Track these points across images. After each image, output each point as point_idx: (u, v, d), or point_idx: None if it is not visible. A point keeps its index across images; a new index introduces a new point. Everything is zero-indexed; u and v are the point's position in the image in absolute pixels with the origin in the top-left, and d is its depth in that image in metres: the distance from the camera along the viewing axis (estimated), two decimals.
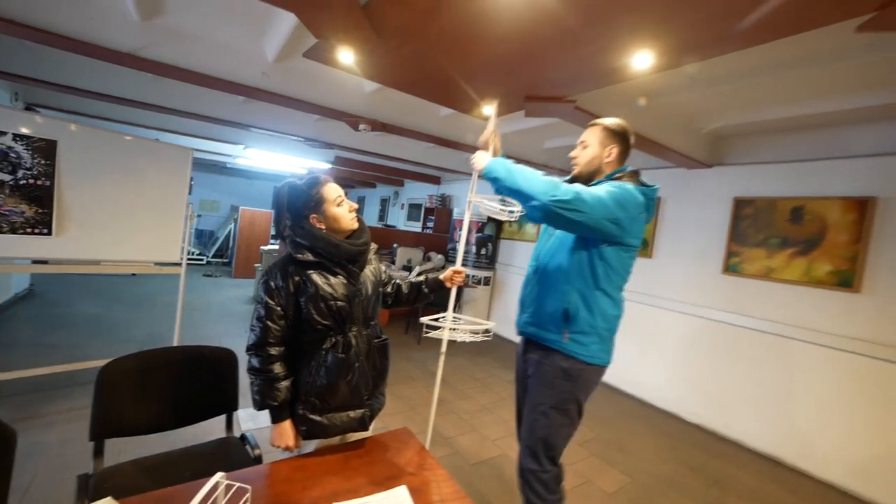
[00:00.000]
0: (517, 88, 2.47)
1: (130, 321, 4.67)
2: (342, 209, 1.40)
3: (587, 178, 1.63)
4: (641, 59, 1.90)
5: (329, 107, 3.34)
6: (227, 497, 0.94)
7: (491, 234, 6.12)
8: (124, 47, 2.47)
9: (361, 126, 3.63)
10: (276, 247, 6.62)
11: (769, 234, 3.31)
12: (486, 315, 6.31)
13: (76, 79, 3.37)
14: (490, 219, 5.93)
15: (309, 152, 6.31)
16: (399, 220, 9.67)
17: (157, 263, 3.17)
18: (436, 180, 8.00)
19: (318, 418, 1.32)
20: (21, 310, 4.66)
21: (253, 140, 5.77)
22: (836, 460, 2.86)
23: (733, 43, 1.72)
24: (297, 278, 1.32)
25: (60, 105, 4.58)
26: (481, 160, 1.56)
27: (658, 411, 3.86)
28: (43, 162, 2.55)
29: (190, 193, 3.24)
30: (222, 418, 1.70)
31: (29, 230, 2.54)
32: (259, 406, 1.30)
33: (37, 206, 2.55)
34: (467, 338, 1.72)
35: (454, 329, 1.70)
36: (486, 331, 1.73)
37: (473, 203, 1.70)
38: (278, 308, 1.31)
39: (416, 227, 8.45)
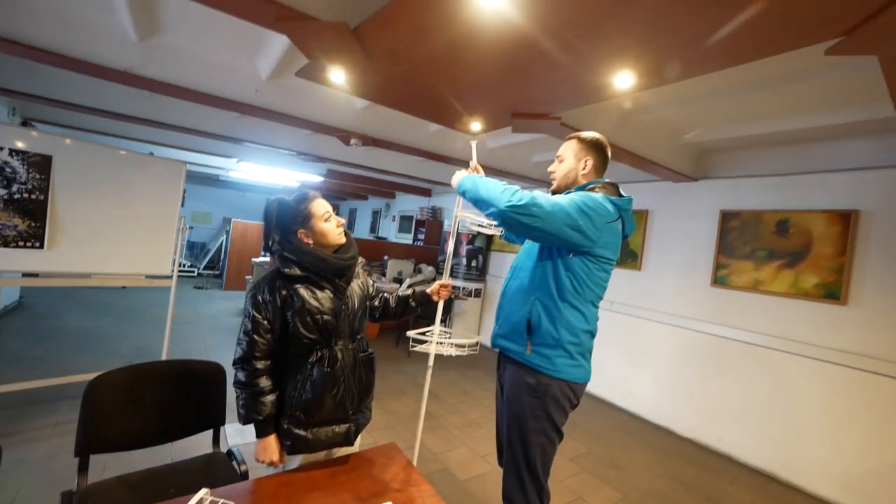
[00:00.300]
0: (503, 106, 2.53)
1: (119, 334, 4.63)
2: (330, 224, 1.43)
3: (565, 192, 1.63)
4: (622, 80, 1.96)
5: (321, 122, 3.40)
6: None
7: (481, 247, 6.17)
8: (122, 66, 2.52)
9: (353, 141, 3.68)
10: (268, 259, 6.62)
11: (756, 247, 3.36)
12: (477, 327, 6.32)
13: (72, 94, 3.41)
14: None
15: (301, 165, 6.37)
16: (390, 231, 9.71)
17: (148, 276, 3.17)
18: (426, 193, 8.06)
19: (302, 433, 1.33)
20: (10, 322, 4.61)
21: (246, 153, 5.82)
22: (827, 475, 2.86)
23: (707, 65, 1.79)
24: (284, 292, 1.34)
25: (57, 119, 4.61)
26: (456, 177, 1.62)
27: (649, 424, 3.86)
28: (38, 176, 2.57)
29: (182, 206, 3.26)
30: (209, 433, 1.70)
31: (21, 243, 2.55)
32: (244, 420, 1.31)
33: (30, 219, 2.57)
34: (453, 352, 1.74)
35: (441, 343, 1.72)
36: (474, 344, 1.74)
37: (460, 218, 1.74)
38: (265, 322, 1.33)
39: (407, 238, 8.49)
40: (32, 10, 2.16)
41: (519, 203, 1.33)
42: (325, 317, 1.35)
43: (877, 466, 2.67)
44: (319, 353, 1.36)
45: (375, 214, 10.69)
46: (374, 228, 10.67)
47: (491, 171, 3.93)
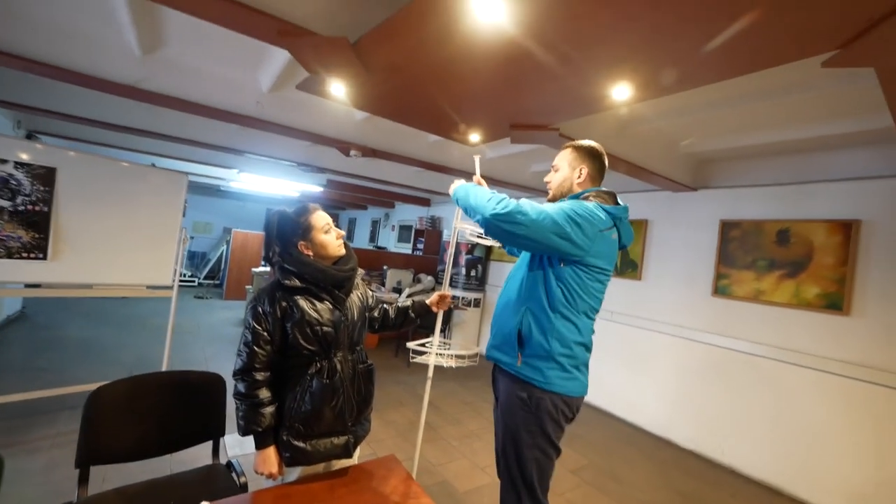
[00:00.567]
0: (502, 117, 2.56)
1: (120, 344, 4.64)
2: (329, 236, 1.45)
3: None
4: (620, 91, 1.99)
5: (321, 134, 3.44)
6: None
7: (481, 256, 6.17)
8: (125, 80, 2.56)
9: (352, 152, 3.72)
10: (269, 269, 6.62)
11: (757, 257, 3.34)
12: (477, 336, 6.29)
13: (76, 107, 3.45)
14: None
15: (301, 176, 6.41)
16: (390, 241, 9.71)
17: (148, 286, 3.18)
18: (426, 202, 8.09)
19: (301, 444, 1.33)
20: (11, 332, 4.62)
21: (247, 164, 5.86)
22: (830, 487, 2.82)
23: (705, 77, 1.81)
24: (284, 303, 1.35)
25: (61, 132, 4.66)
26: (452, 186, 1.64)
27: (650, 436, 3.83)
28: (42, 188, 2.60)
29: (184, 216, 3.29)
30: (209, 444, 1.70)
31: (25, 255, 2.57)
32: (243, 431, 1.31)
33: (34, 231, 2.59)
34: (453, 363, 1.74)
35: (440, 354, 1.72)
36: (474, 355, 1.74)
37: (458, 229, 1.75)
38: (265, 333, 1.34)
39: (406, 248, 8.47)
40: (38, 26, 2.19)
41: (503, 211, 1.33)
42: (325, 328, 1.36)
43: (880, 478, 2.63)
44: (319, 365, 1.36)
45: (375, 224, 10.70)
46: (373, 238, 10.67)
47: (489, 181, 3.93)
